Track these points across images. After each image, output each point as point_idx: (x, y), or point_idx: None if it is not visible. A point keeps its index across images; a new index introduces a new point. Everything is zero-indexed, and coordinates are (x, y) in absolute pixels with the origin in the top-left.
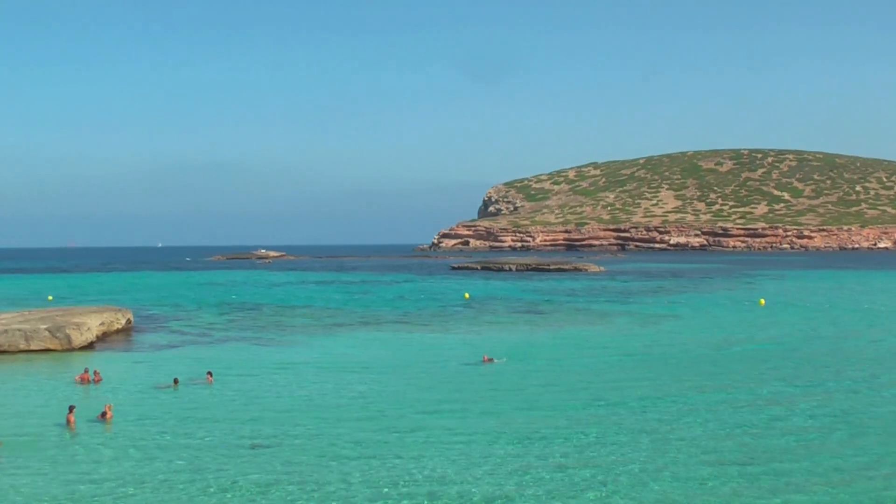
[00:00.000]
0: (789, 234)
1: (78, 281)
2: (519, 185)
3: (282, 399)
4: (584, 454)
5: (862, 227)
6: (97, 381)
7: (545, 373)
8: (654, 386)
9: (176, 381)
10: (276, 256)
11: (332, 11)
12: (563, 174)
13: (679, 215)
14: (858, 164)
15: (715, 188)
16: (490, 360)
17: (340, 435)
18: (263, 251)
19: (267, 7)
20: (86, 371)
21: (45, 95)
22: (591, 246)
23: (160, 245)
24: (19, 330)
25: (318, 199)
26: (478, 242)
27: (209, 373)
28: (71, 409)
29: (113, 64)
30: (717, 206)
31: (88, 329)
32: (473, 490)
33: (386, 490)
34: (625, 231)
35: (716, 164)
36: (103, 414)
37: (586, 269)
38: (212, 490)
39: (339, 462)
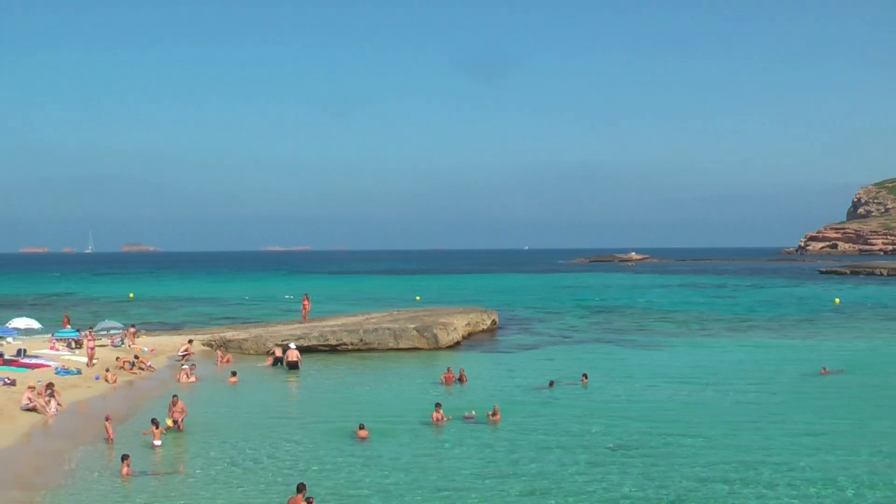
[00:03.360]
0: None
1: (445, 282)
2: (890, 185)
3: (646, 403)
4: None
5: None
6: (463, 381)
7: None
8: None
9: (552, 382)
10: (639, 259)
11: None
12: None
13: None
14: None
15: None
16: (829, 371)
17: (697, 443)
18: (634, 254)
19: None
20: (449, 370)
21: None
22: None
23: (526, 248)
24: (389, 329)
25: (683, 203)
26: (846, 245)
27: (584, 375)
28: (437, 406)
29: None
30: None
31: (455, 329)
32: None
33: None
34: None
35: None
36: (470, 415)
37: None
38: (569, 489)
39: (692, 470)
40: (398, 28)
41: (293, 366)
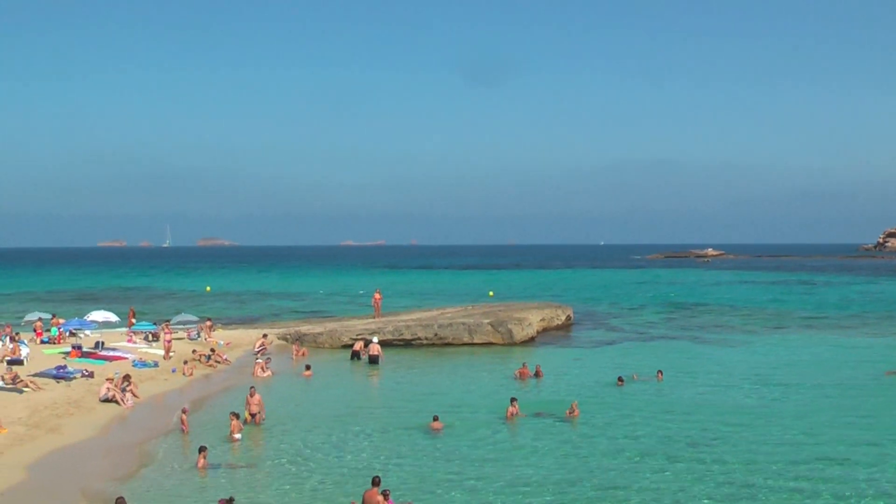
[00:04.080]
0: None
1: (519, 277)
2: None
3: (720, 402)
4: None
5: None
6: (539, 377)
7: None
8: None
9: (621, 379)
10: (715, 255)
11: None
12: None
13: None
14: None
15: None
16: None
17: (770, 442)
18: (711, 250)
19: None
20: (524, 365)
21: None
22: None
23: (602, 243)
24: (463, 324)
25: (758, 199)
26: None
27: (659, 371)
28: (513, 400)
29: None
30: None
31: (529, 324)
32: None
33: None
34: None
35: None
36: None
37: None
38: (643, 489)
39: (768, 475)
40: (435, 43)
41: (374, 360)
